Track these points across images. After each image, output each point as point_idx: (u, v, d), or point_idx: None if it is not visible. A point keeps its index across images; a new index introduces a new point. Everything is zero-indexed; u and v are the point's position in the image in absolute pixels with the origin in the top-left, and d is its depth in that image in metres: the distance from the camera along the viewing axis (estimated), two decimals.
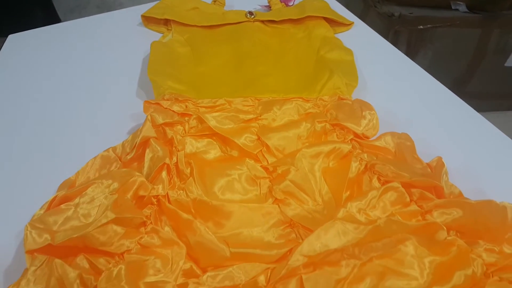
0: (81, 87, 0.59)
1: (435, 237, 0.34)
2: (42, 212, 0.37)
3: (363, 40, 0.67)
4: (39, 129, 0.52)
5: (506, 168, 0.45)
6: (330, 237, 0.33)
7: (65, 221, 0.35)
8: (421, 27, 1.22)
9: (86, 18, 0.74)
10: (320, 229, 0.33)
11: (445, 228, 0.34)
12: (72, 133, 0.51)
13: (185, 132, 0.46)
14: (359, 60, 0.60)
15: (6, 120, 0.54)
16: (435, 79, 0.59)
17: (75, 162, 0.45)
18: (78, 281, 0.31)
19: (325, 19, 0.67)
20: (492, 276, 0.32)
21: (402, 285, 0.32)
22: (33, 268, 0.32)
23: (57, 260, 0.32)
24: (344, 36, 0.67)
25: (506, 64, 1.35)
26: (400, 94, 0.56)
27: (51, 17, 1.03)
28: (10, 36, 0.70)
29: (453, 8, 1.26)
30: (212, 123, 0.46)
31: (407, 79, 0.59)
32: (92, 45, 0.68)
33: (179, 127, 0.46)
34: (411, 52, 1.37)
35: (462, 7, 1.25)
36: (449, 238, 0.35)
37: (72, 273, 0.32)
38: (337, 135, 0.46)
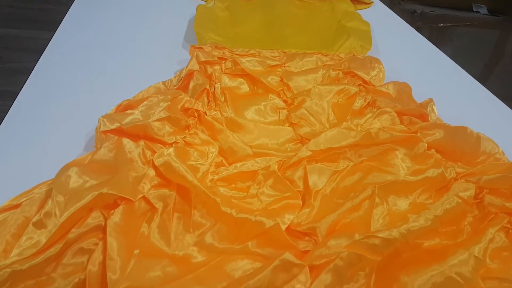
0: (140, 38, 0.71)
1: (416, 149, 0.43)
2: (111, 112, 0.48)
3: (381, 17, 0.77)
4: (107, 67, 0.64)
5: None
6: (332, 138, 0.43)
7: (130, 120, 0.46)
8: (442, 25, 1.30)
9: None
10: (325, 133, 0.43)
11: (425, 141, 0.43)
12: (132, 72, 0.63)
13: (222, 71, 0.57)
14: (376, 31, 0.69)
15: (85, 59, 0.65)
16: (439, 50, 0.68)
17: (134, 90, 0.55)
18: (140, 151, 0.42)
19: None
20: (460, 180, 0.41)
21: (383, 176, 0.41)
22: (106, 143, 0.43)
23: (125, 138, 0.43)
24: (366, 13, 0.76)
25: None
26: (408, 59, 0.66)
27: None
28: None
29: (474, 10, 1.33)
30: (245, 65, 0.56)
31: (415, 49, 0.68)
32: (148, 7, 0.80)
33: (217, 66, 0.56)
34: None
35: (483, 10, 1.32)
36: (429, 152, 0.44)
37: (135, 147, 0.42)
38: (348, 81, 0.55)
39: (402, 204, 0.39)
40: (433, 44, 0.73)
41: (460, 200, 0.38)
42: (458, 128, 0.44)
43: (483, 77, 1.46)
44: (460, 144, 0.43)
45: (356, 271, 0.33)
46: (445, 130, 0.44)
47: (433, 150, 0.44)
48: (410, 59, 0.67)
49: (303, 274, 0.32)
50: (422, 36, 0.73)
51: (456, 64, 0.67)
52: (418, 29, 1.31)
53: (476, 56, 1.40)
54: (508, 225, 0.37)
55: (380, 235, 0.33)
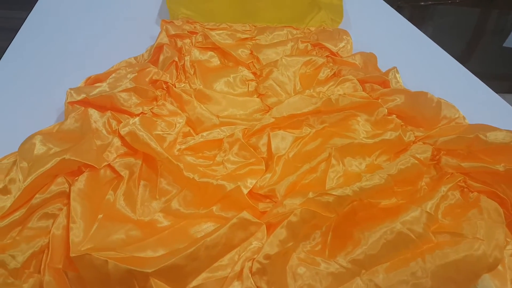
0: (114, 14, 0.71)
1: (376, 114, 0.44)
2: (80, 85, 0.49)
3: None
4: (83, 42, 0.64)
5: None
6: (294, 104, 0.44)
7: (97, 91, 0.46)
8: (423, 3, 1.30)
9: None
10: (287, 100, 0.44)
11: (385, 107, 0.44)
12: (104, 48, 0.63)
13: (192, 44, 0.57)
14: (348, 5, 0.70)
15: (59, 37, 0.65)
16: (411, 24, 0.69)
17: (107, 66, 0.55)
18: (105, 121, 0.43)
19: None
20: (418, 142, 0.42)
21: (343, 141, 0.42)
22: (73, 114, 0.43)
23: (91, 108, 0.43)
24: None
25: (504, 45, 1.41)
26: (378, 33, 0.66)
27: None
28: None
29: None
30: (215, 38, 0.57)
31: (386, 22, 0.69)
32: None
33: (187, 40, 0.57)
34: None
35: None
36: (389, 117, 0.45)
37: (101, 117, 0.43)
38: (316, 52, 0.56)
39: (359, 165, 0.40)
40: (414, 23, 0.74)
41: (416, 161, 0.39)
42: (418, 93, 0.45)
43: (464, 56, 1.48)
44: (421, 109, 0.44)
45: (312, 230, 0.35)
46: (405, 95, 0.45)
47: (394, 115, 0.45)
48: (381, 33, 0.67)
49: (260, 232, 0.34)
50: (394, 10, 0.74)
51: (428, 38, 0.68)
52: (399, 8, 1.32)
53: (457, 34, 1.41)
54: (463, 184, 0.38)
55: (333, 193, 0.34)
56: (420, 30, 0.72)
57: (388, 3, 0.80)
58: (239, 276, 0.32)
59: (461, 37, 1.41)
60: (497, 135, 0.37)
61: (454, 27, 1.39)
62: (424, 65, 0.63)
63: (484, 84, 0.61)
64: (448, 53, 0.67)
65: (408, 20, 0.75)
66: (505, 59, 1.47)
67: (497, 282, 0.33)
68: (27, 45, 0.63)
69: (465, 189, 0.37)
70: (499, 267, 0.32)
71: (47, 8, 0.72)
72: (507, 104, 0.57)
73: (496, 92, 0.59)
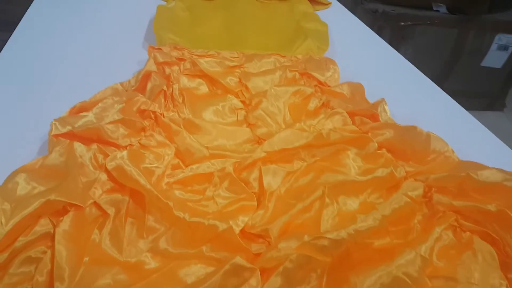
0: (99, 38, 0.69)
1: (367, 148, 0.44)
2: (65, 115, 0.47)
3: (340, 18, 0.78)
4: (64, 67, 0.62)
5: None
6: (285, 139, 0.43)
7: (83, 122, 0.45)
8: (403, 23, 1.33)
9: None
10: (278, 134, 0.44)
11: (375, 141, 0.44)
12: (89, 72, 0.61)
13: (180, 72, 0.56)
14: (333, 32, 0.71)
15: (42, 60, 0.63)
16: (395, 51, 0.70)
17: (92, 92, 0.54)
18: (91, 156, 0.41)
19: None
20: (409, 178, 0.42)
21: (335, 176, 0.42)
22: (57, 147, 0.42)
23: (76, 142, 0.42)
24: (324, 14, 0.77)
25: (482, 64, 1.46)
26: (364, 60, 0.67)
27: None
28: None
29: (434, 9, 1.37)
30: (203, 66, 0.56)
31: (372, 49, 0.70)
32: (108, 7, 0.79)
33: (175, 67, 0.56)
34: (392, 47, 1.47)
35: (443, 9, 1.37)
36: (379, 152, 0.45)
37: (87, 151, 0.41)
38: (304, 82, 0.56)
39: (352, 204, 0.40)
40: (395, 43, 0.76)
41: (408, 199, 0.39)
42: (407, 128, 0.45)
43: (443, 75, 1.51)
44: (410, 143, 0.45)
45: (307, 273, 0.34)
46: (395, 129, 0.45)
47: (384, 149, 0.45)
48: (367, 60, 0.68)
49: (254, 278, 0.33)
50: (379, 37, 0.75)
51: (412, 65, 0.69)
52: (380, 28, 1.34)
53: (436, 54, 1.44)
54: (456, 223, 0.38)
55: (328, 236, 0.33)
56: (401, 49, 0.74)
57: (370, 23, 0.82)
58: None
59: (440, 56, 1.44)
60: (488, 174, 0.37)
61: (433, 46, 1.42)
62: (404, 89, 0.63)
63: (460, 106, 0.62)
64: (428, 71, 0.68)
65: (389, 40, 0.76)
66: (483, 78, 1.51)
67: None
68: (5, 71, 0.61)
69: (458, 229, 0.37)
70: None
71: (30, 29, 0.71)
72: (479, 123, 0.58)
73: (475, 110, 0.59)
